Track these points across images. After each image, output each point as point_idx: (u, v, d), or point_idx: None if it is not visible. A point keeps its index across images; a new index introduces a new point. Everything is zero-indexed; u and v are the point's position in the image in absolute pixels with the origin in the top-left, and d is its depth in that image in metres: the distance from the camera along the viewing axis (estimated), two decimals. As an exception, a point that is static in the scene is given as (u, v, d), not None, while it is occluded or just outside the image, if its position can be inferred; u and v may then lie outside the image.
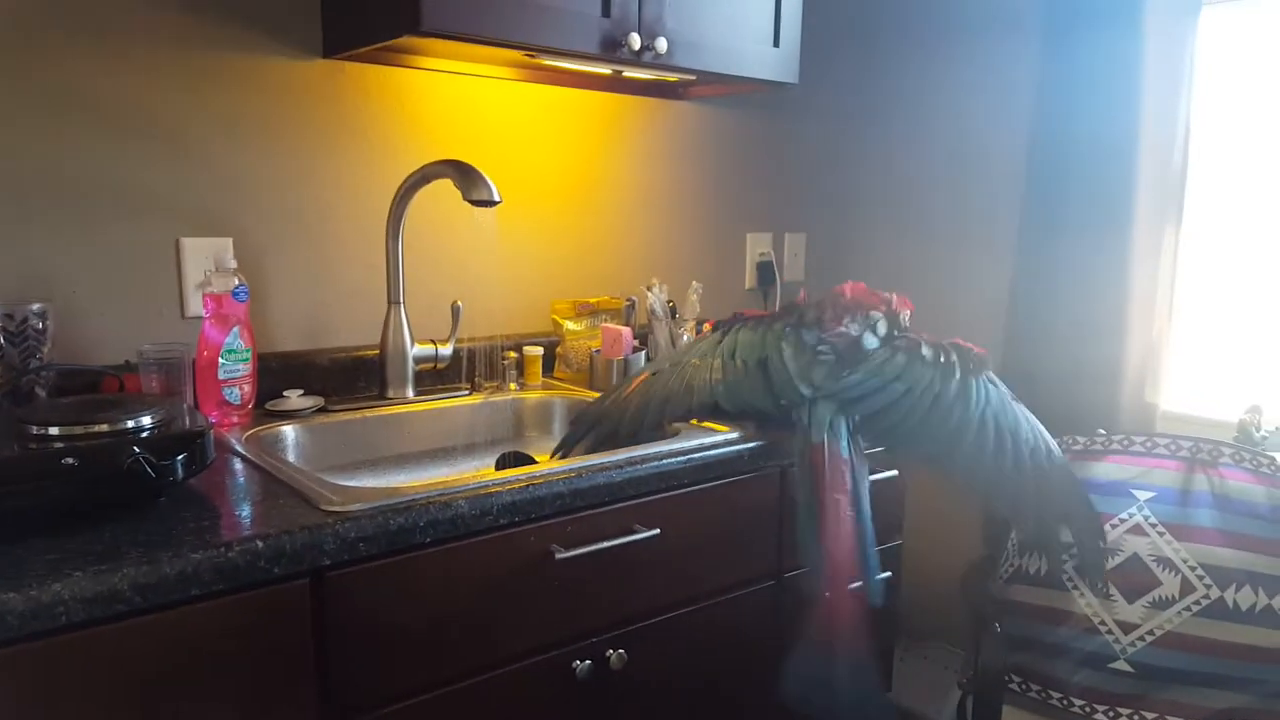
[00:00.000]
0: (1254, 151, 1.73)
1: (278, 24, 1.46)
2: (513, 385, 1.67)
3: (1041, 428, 1.38)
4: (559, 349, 1.78)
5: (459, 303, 1.61)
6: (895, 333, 1.39)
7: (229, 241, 1.44)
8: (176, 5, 1.37)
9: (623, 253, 1.95)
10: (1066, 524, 1.38)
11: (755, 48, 1.65)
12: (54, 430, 0.96)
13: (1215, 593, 1.32)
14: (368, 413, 1.47)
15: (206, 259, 1.39)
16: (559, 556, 1.14)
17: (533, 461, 1.39)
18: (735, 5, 1.62)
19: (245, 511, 1.01)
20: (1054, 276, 1.84)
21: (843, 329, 1.38)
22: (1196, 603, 1.32)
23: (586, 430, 1.37)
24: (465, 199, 1.38)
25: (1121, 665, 1.35)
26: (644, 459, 1.23)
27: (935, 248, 2.19)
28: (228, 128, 1.44)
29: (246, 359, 1.36)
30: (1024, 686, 1.45)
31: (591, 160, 1.87)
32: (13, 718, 0.81)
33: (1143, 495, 1.41)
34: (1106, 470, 1.46)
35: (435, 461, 1.52)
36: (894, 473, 1.58)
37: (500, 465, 1.42)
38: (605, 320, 1.79)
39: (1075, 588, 1.40)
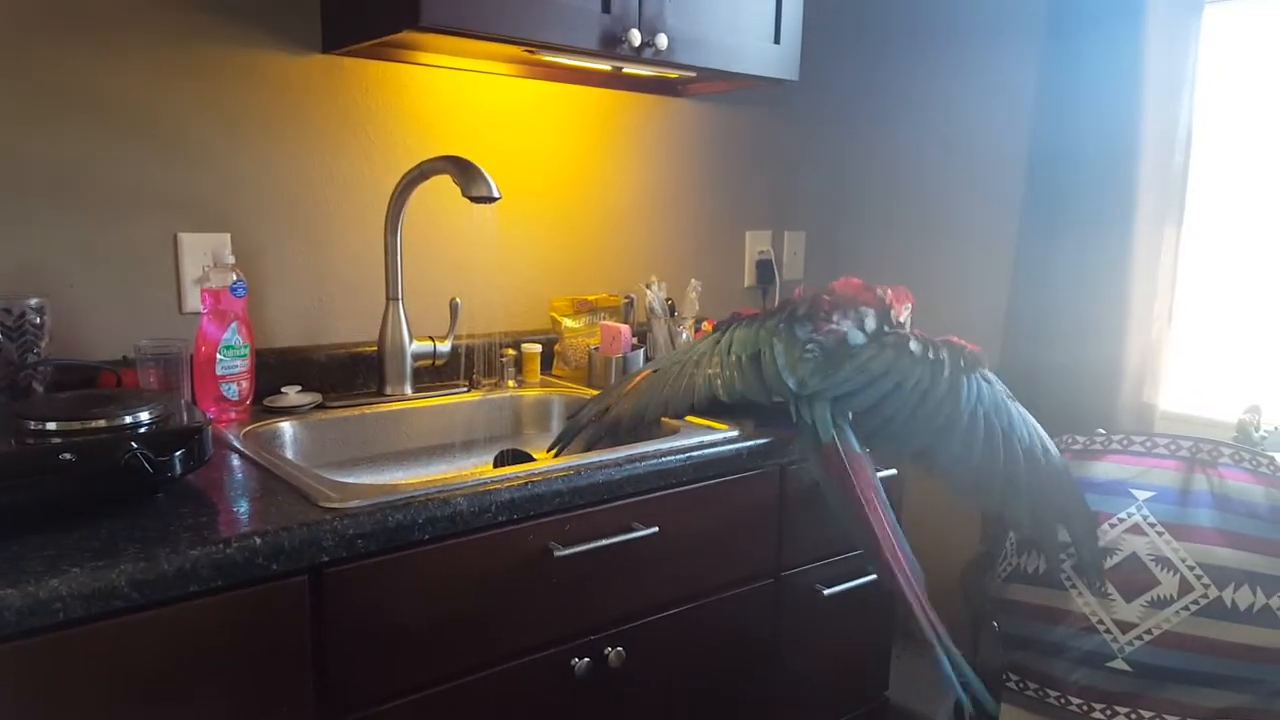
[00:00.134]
0: (1255, 152, 1.72)
1: (277, 19, 1.46)
2: (511, 382, 1.66)
3: (1038, 426, 1.38)
4: (557, 346, 1.78)
5: (457, 299, 1.61)
6: (885, 329, 1.39)
7: (227, 237, 1.44)
8: (176, 1, 1.37)
9: (622, 250, 1.95)
10: (1064, 523, 1.38)
11: (756, 44, 1.65)
12: (51, 426, 0.96)
13: (1214, 592, 1.32)
14: (366, 409, 1.47)
15: (204, 254, 1.39)
16: (557, 554, 1.13)
17: (531, 459, 1.39)
18: (736, 2, 1.61)
19: (243, 508, 1.01)
20: (1054, 276, 1.84)
21: (833, 325, 1.37)
22: (1195, 602, 1.32)
23: (585, 426, 1.37)
24: (464, 195, 1.38)
25: (1119, 664, 1.35)
26: (643, 457, 1.23)
27: (935, 247, 2.19)
28: (226, 123, 1.44)
29: (244, 355, 1.35)
30: (1022, 685, 1.45)
31: (591, 157, 1.87)
32: (10, 714, 0.81)
33: (1142, 495, 1.41)
34: (1106, 470, 1.46)
35: (434, 458, 1.52)
36: (893, 471, 1.58)
37: (499, 462, 1.42)
38: (604, 318, 1.78)
39: (1073, 587, 1.40)
